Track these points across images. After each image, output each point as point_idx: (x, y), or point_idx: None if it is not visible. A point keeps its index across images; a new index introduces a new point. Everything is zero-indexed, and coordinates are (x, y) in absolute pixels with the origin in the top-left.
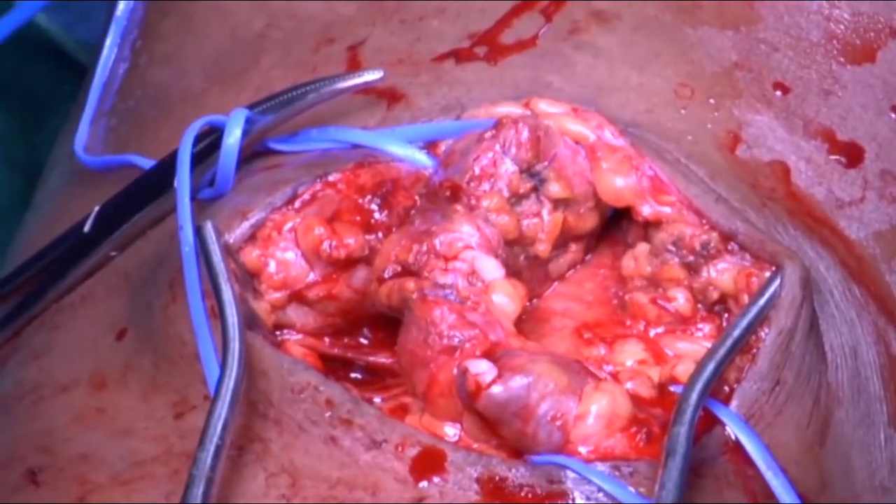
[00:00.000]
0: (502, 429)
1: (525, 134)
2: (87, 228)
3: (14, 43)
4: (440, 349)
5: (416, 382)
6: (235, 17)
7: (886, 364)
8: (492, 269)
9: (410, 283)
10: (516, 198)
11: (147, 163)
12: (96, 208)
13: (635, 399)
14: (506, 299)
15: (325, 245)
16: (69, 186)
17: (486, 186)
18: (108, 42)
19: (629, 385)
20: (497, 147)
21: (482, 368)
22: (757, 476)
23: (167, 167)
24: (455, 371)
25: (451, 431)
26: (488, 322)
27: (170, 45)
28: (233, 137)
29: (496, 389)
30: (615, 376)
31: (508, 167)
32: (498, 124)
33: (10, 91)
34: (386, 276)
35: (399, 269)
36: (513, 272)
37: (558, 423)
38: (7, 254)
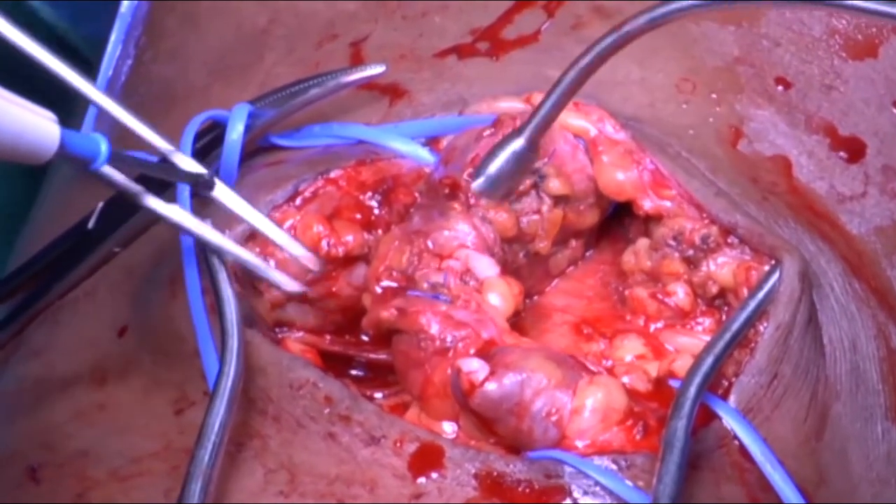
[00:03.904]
0: (498, 426)
1: None
2: (90, 225)
3: None
4: (433, 350)
5: (410, 384)
6: (239, 13)
7: (886, 357)
8: (486, 267)
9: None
10: (516, 195)
11: (150, 158)
12: (100, 205)
13: (631, 393)
14: (499, 298)
15: (324, 243)
16: (74, 183)
17: None
18: (112, 39)
19: (625, 379)
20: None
21: (474, 367)
22: (754, 469)
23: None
24: (449, 371)
25: (448, 429)
26: (479, 320)
27: (174, 42)
28: (235, 133)
29: (490, 387)
30: (610, 371)
31: None
32: (497, 121)
33: (15, 86)
34: (378, 290)
35: (392, 276)
36: (512, 269)
37: (553, 418)
38: (14, 251)
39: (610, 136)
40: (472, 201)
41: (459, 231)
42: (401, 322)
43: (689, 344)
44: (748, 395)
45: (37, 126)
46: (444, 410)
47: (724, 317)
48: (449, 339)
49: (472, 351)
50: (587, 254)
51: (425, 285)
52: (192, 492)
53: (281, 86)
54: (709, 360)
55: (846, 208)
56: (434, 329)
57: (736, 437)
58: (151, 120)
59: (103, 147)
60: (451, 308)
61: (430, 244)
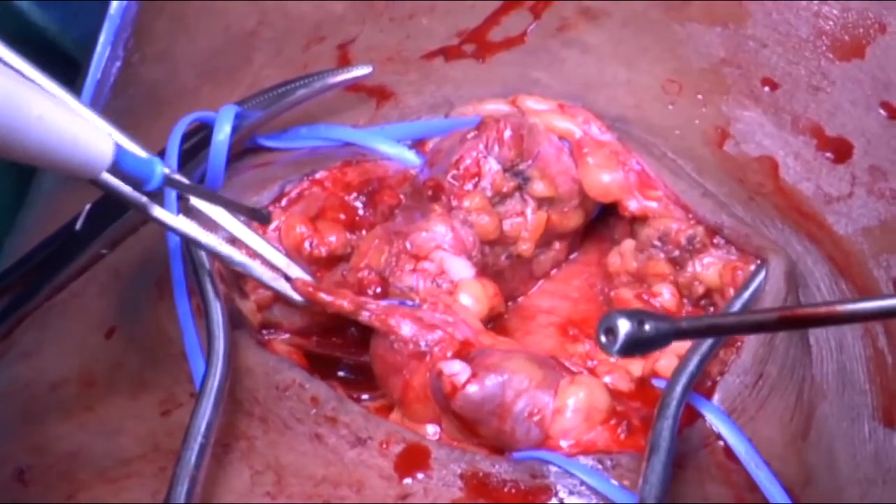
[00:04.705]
0: (480, 428)
1: (508, 133)
2: (78, 226)
3: (8, 40)
4: (409, 354)
5: (391, 389)
6: (228, 15)
7: (872, 357)
8: (460, 269)
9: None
10: (500, 197)
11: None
12: (87, 206)
13: (614, 392)
14: (471, 299)
15: (307, 244)
16: (62, 185)
17: (469, 186)
18: (101, 40)
19: (607, 379)
20: (480, 146)
21: (456, 369)
22: (740, 469)
23: None
24: (428, 375)
25: (431, 430)
26: (451, 322)
27: (162, 44)
28: (222, 134)
29: (471, 389)
30: (592, 371)
31: (492, 166)
32: (481, 124)
33: None
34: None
35: (369, 275)
36: (494, 272)
37: (536, 418)
38: (2, 253)
39: (595, 137)
40: (454, 203)
41: (436, 233)
42: (373, 324)
43: (675, 345)
44: (733, 395)
45: (91, 142)
46: (425, 414)
47: None
48: (423, 342)
49: (448, 353)
50: (572, 255)
51: (398, 289)
52: (178, 493)
53: (268, 87)
54: (694, 361)
55: (833, 209)
56: (404, 331)
57: (721, 436)
58: (140, 122)
59: (158, 169)
60: (418, 311)
61: (408, 245)
